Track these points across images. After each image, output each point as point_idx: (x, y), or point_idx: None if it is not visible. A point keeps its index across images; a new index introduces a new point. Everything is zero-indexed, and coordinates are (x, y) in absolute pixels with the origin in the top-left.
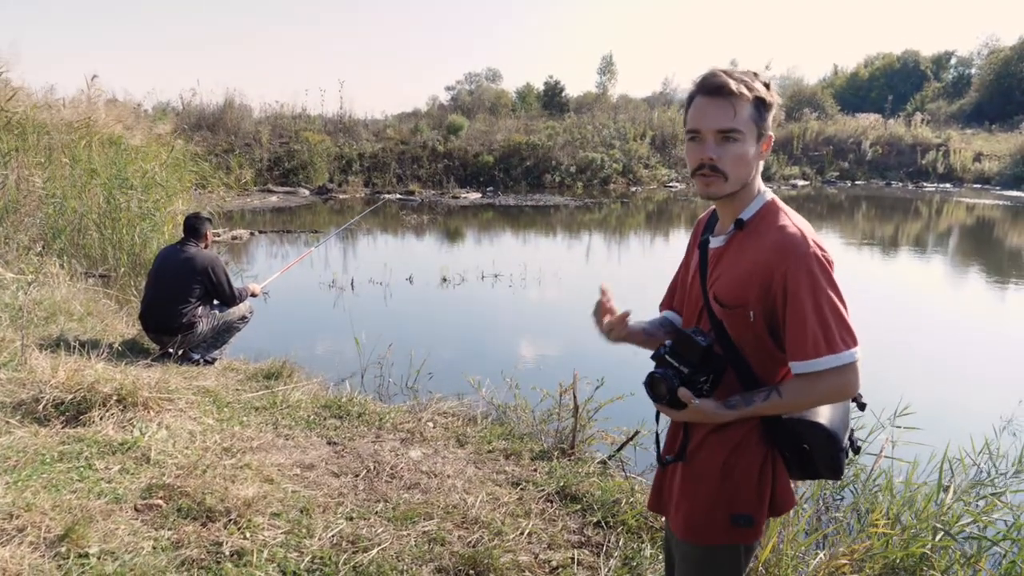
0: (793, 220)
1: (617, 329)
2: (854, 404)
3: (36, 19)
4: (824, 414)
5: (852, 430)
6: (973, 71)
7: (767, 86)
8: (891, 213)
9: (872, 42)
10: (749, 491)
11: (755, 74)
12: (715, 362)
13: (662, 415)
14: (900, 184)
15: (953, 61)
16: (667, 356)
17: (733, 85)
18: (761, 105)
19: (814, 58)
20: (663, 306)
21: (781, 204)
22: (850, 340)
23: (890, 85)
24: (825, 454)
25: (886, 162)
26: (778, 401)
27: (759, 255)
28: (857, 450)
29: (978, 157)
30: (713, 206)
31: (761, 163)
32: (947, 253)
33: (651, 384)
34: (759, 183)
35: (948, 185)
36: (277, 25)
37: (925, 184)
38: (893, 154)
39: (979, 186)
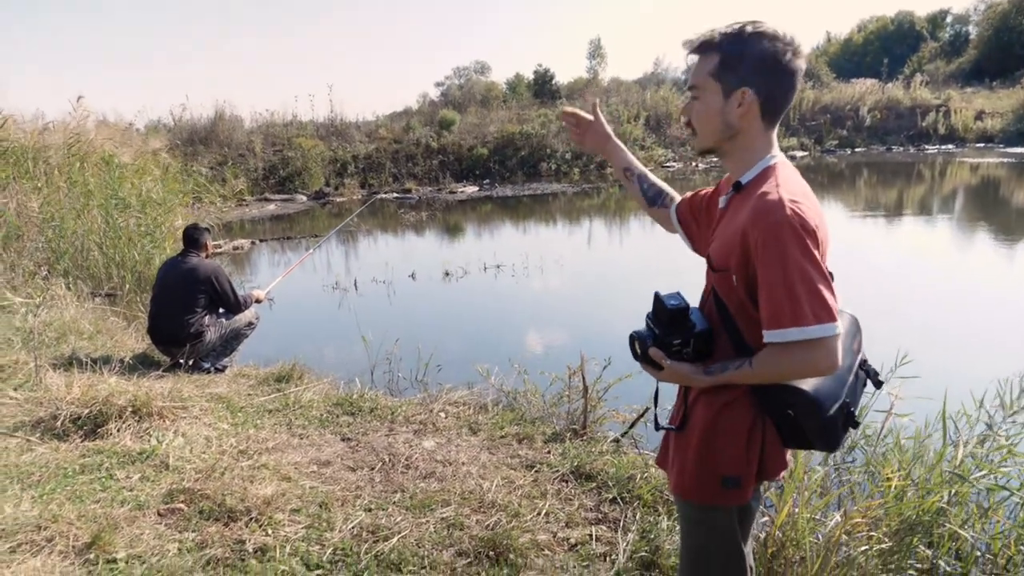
0: (780, 184)
1: (584, 124)
2: (870, 381)
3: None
4: (809, 381)
5: (849, 403)
6: (971, 28)
7: (752, 35)
8: (893, 178)
9: (864, 6)
10: (736, 453)
11: (744, 25)
12: (687, 326)
13: (663, 387)
14: (901, 148)
15: (949, 19)
16: (647, 317)
17: (699, 41)
18: (729, 58)
19: (806, 27)
20: (679, 199)
21: (780, 169)
22: (823, 315)
23: (885, 48)
24: (810, 421)
25: (885, 127)
26: (748, 371)
27: (742, 219)
28: (855, 424)
29: (980, 116)
30: None
31: (747, 120)
32: (952, 215)
33: (630, 342)
34: (765, 146)
35: (950, 146)
36: (261, 35)
37: (927, 146)
38: (892, 118)
39: (982, 145)
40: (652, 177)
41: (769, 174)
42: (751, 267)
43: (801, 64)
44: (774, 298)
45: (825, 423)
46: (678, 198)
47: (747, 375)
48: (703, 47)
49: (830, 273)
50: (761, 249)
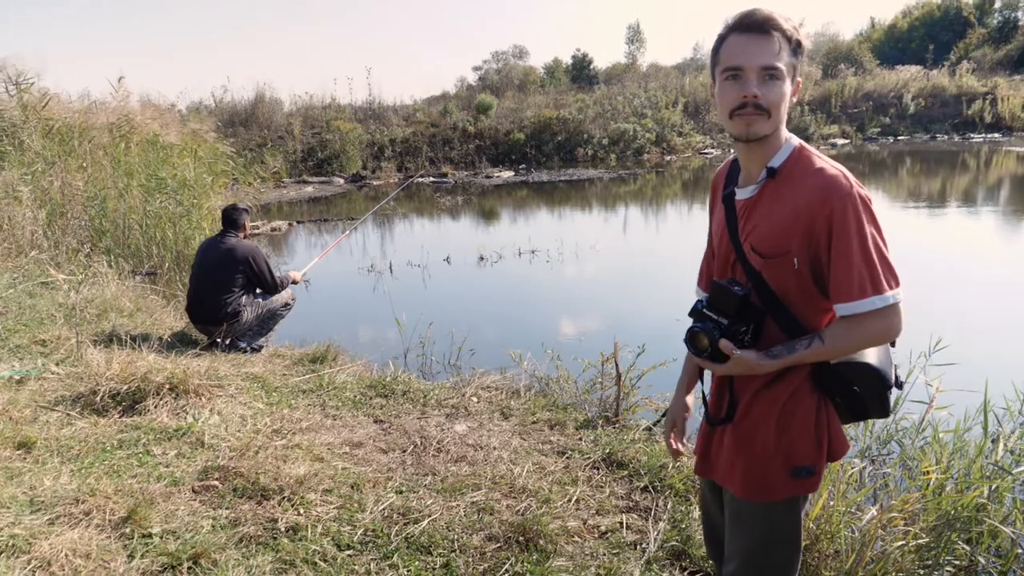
0: (829, 162)
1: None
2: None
3: (63, 25)
4: (871, 354)
5: (896, 366)
6: (1020, 14)
7: (799, 28)
8: (937, 167)
9: None
10: (808, 442)
11: (789, 16)
12: (752, 312)
13: (707, 376)
14: (946, 137)
15: (998, 5)
16: (705, 310)
17: (778, 20)
18: (798, 47)
19: (850, 12)
20: (702, 280)
21: (811, 148)
22: (894, 281)
23: (931, 35)
24: (875, 394)
25: (930, 115)
26: (820, 347)
27: (799, 199)
28: (900, 386)
29: None
30: (728, 160)
31: (788, 107)
32: (998, 205)
33: (692, 339)
34: (785, 129)
35: (997, 135)
36: (301, 18)
37: (972, 135)
38: (937, 106)
39: None
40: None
41: (804, 153)
42: (815, 245)
43: None
44: (853, 269)
45: (887, 392)
46: (701, 286)
47: (819, 351)
48: (779, 30)
49: None
50: (837, 224)
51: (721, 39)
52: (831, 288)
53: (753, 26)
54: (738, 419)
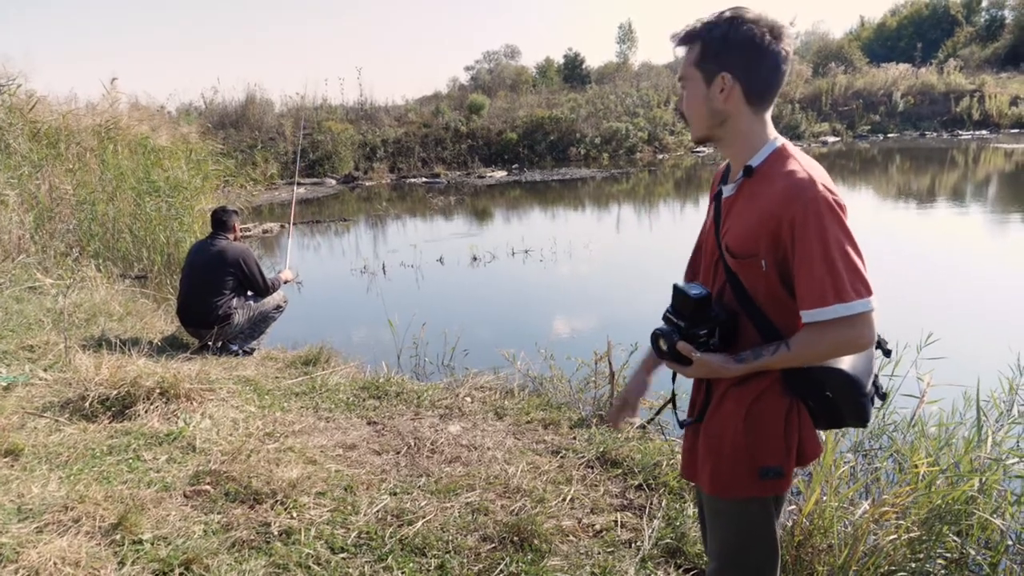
0: (803, 165)
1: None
2: (879, 351)
3: (50, 25)
4: (846, 361)
5: (876, 375)
6: (1006, 13)
7: (728, 20)
8: (926, 164)
9: None
10: (776, 442)
11: (723, 12)
12: (712, 315)
13: (678, 379)
14: (934, 134)
15: (985, 4)
16: (668, 313)
17: (680, 33)
18: (708, 45)
19: (839, 11)
20: (687, 276)
21: (792, 150)
22: (863, 289)
23: (919, 33)
24: (849, 401)
25: (919, 112)
26: (786, 354)
27: (768, 202)
28: (883, 396)
29: (1015, 101)
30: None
31: (731, 104)
32: (986, 201)
33: (653, 341)
34: (761, 129)
35: (985, 132)
36: (291, 19)
37: (961, 132)
38: (926, 104)
39: (1017, 130)
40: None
41: (783, 155)
42: (783, 249)
43: (783, 46)
44: (815, 276)
45: (863, 399)
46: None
47: (784, 358)
48: (687, 38)
49: None
50: (799, 228)
51: None
52: (796, 294)
53: (678, 40)
54: (708, 417)
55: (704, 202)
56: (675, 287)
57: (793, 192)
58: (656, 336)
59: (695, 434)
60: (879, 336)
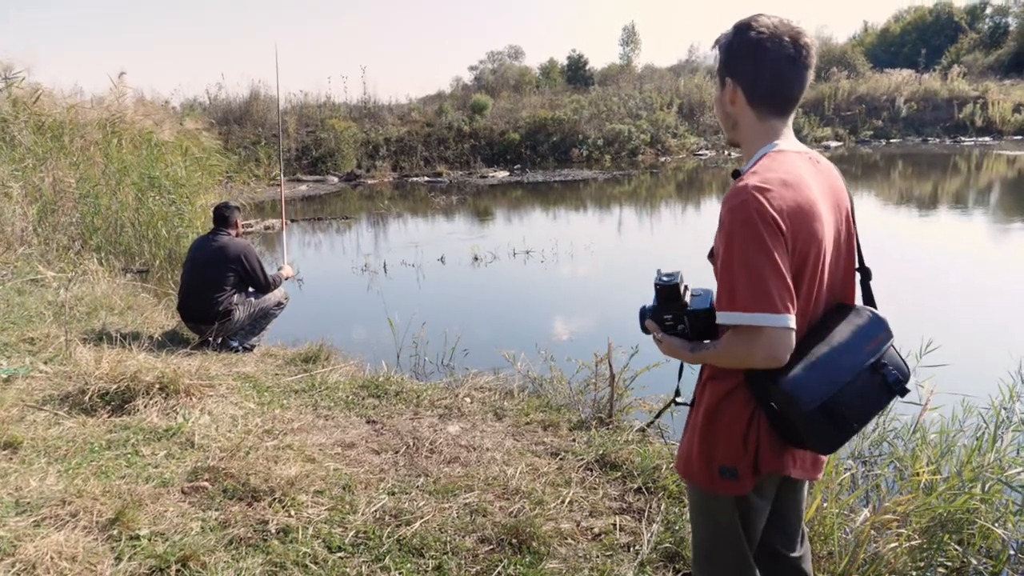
0: (758, 171)
1: None
2: (892, 388)
3: (56, 19)
4: (787, 373)
5: (834, 403)
6: (1010, 20)
7: (738, 28)
8: (928, 170)
9: None
10: (734, 443)
11: (740, 20)
12: (679, 304)
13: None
14: (937, 140)
15: (989, 10)
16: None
17: (720, 37)
18: (723, 53)
19: (843, 16)
20: None
21: (773, 157)
22: (759, 304)
23: (923, 39)
24: (791, 415)
25: (922, 118)
26: (713, 351)
27: (723, 206)
28: (852, 428)
29: (1018, 108)
30: None
31: (737, 109)
32: (988, 208)
33: (639, 315)
34: (762, 135)
35: (987, 138)
36: (296, 17)
37: (963, 138)
38: (929, 110)
39: (1020, 137)
40: None
41: (763, 161)
42: (717, 250)
43: (790, 51)
44: (723, 280)
45: (808, 420)
46: None
47: (712, 355)
48: (715, 46)
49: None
50: (723, 232)
51: None
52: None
53: (714, 47)
54: (693, 413)
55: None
56: (657, 272)
57: (726, 198)
58: (640, 311)
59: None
60: (891, 372)
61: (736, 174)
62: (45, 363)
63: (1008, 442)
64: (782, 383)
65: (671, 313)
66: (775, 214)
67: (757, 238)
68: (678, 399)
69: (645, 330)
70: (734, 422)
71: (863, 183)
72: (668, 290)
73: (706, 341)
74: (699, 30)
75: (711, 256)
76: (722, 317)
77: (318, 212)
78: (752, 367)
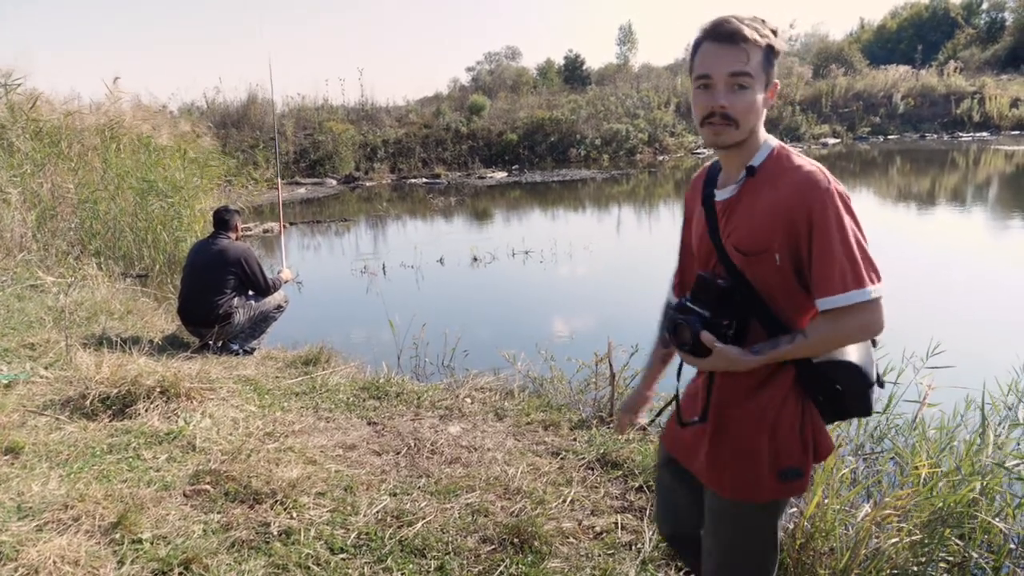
0: (808, 160)
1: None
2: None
3: (51, 23)
4: (852, 352)
5: (876, 363)
6: (1006, 15)
7: (775, 33)
8: (926, 166)
9: None
10: (794, 444)
11: (763, 20)
12: (735, 305)
13: (683, 377)
14: (934, 136)
15: (985, 6)
16: (688, 303)
17: (747, 31)
18: (771, 52)
19: (840, 13)
20: (677, 289)
21: (790, 149)
22: (875, 276)
23: (919, 35)
24: (858, 392)
25: (919, 114)
26: (803, 342)
27: (780, 197)
28: (882, 384)
29: (1015, 103)
30: (708, 163)
31: (765, 111)
32: (987, 203)
33: (675, 330)
34: (764, 131)
35: (985, 133)
36: (293, 19)
37: (961, 134)
38: (926, 105)
39: (1017, 132)
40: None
41: (783, 153)
42: (797, 241)
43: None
44: (834, 264)
45: (870, 391)
46: (676, 293)
47: (801, 347)
48: (748, 40)
49: None
50: (818, 219)
51: (696, 46)
52: (813, 283)
53: (723, 36)
54: (725, 424)
55: None
56: (701, 275)
57: (808, 185)
58: (680, 326)
59: (698, 432)
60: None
61: (752, 170)
62: (46, 368)
63: (1007, 435)
64: (856, 362)
65: (729, 317)
66: (848, 193)
67: (854, 216)
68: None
69: (692, 345)
70: (793, 423)
71: (861, 180)
72: (728, 291)
73: (761, 343)
74: (696, 29)
75: (748, 253)
76: (842, 299)
77: (317, 215)
78: (857, 343)
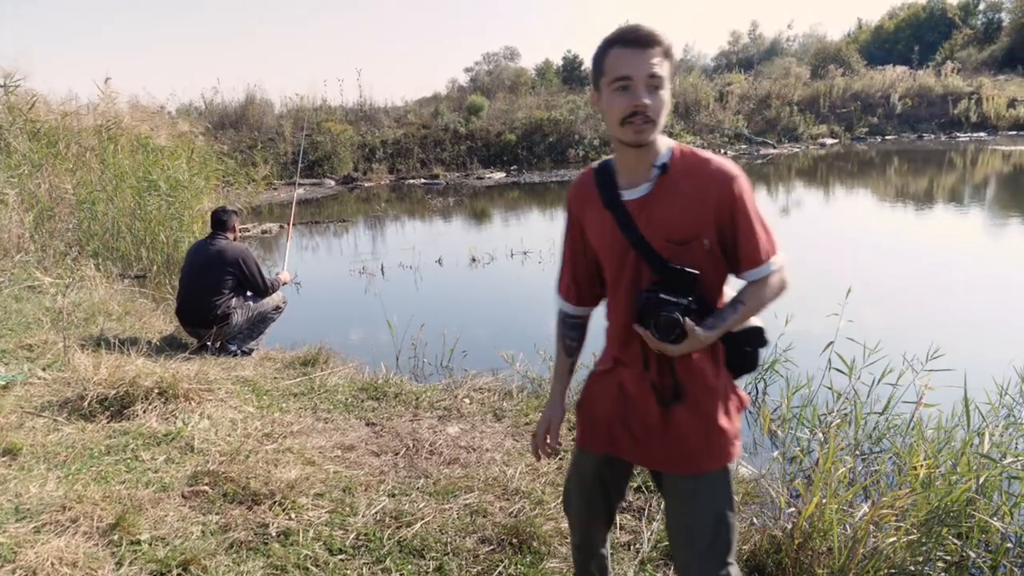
0: (709, 153)
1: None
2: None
3: (49, 23)
4: (757, 319)
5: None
6: (1003, 15)
7: None
8: (924, 166)
9: None
10: (736, 404)
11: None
12: (698, 290)
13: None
14: (932, 136)
15: (982, 6)
16: (663, 295)
17: (659, 36)
18: (672, 57)
19: (837, 13)
20: (573, 298)
21: (682, 144)
22: (778, 243)
23: (917, 35)
24: (758, 352)
25: (916, 114)
26: (743, 309)
27: (702, 187)
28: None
29: (1012, 103)
30: (585, 172)
31: None
32: (984, 203)
33: (668, 325)
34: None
35: (982, 134)
36: (292, 19)
37: (958, 134)
38: (923, 106)
39: (1015, 133)
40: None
41: (685, 149)
42: (721, 221)
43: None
44: (757, 239)
45: (763, 349)
46: (571, 300)
47: (742, 314)
48: (659, 44)
49: None
50: (739, 202)
51: (604, 51)
52: (741, 259)
53: (639, 40)
54: (697, 401)
55: None
56: (672, 267)
57: (726, 175)
58: (672, 320)
59: (652, 423)
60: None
61: (665, 168)
62: (43, 369)
63: (1003, 434)
64: (762, 327)
65: (698, 304)
66: None
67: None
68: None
69: (678, 336)
70: (729, 384)
71: (859, 180)
72: (696, 278)
73: (708, 319)
74: (694, 30)
75: (681, 242)
76: (768, 266)
77: (315, 215)
78: (773, 301)
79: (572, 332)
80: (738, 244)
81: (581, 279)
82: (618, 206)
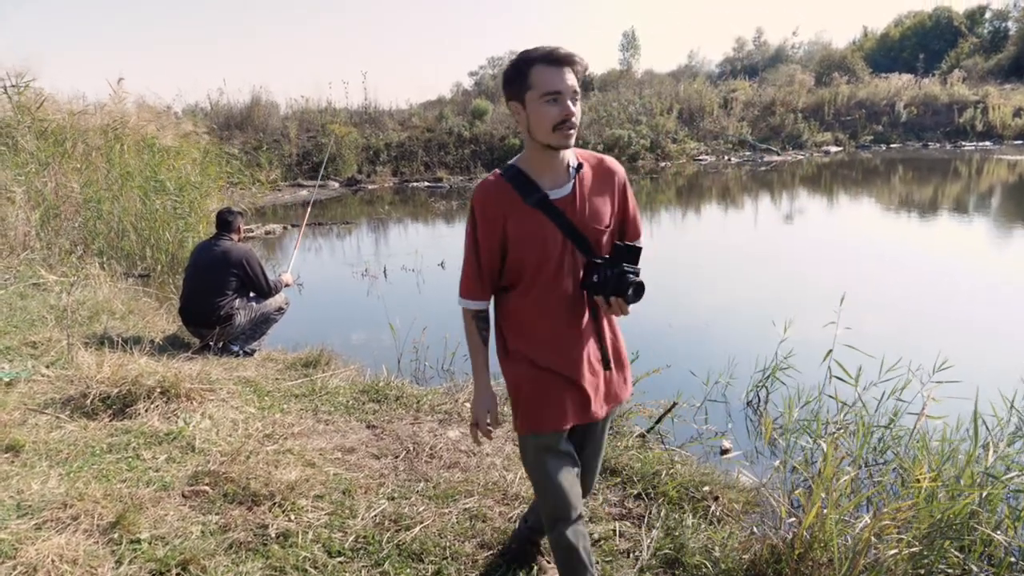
0: (592, 152)
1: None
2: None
3: (56, 23)
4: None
5: None
6: (1010, 24)
7: None
8: (928, 175)
9: (902, 0)
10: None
11: None
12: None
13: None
14: (937, 145)
15: (988, 15)
16: (625, 267)
17: (576, 56)
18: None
19: (842, 21)
20: (485, 295)
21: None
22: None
23: (922, 44)
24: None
25: (922, 123)
26: None
27: (606, 181)
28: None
29: (1018, 112)
30: (491, 178)
31: None
32: (989, 213)
33: (640, 290)
34: None
35: (988, 143)
36: (298, 20)
37: (964, 143)
38: (928, 114)
39: (1021, 142)
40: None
41: (580, 151)
42: (619, 206)
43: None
44: (638, 218)
45: None
46: (476, 298)
47: None
48: (577, 63)
49: None
50: (628, 190)
51: (527, 68)
52: (628, 232)
53: (563, 60)
54: (618, 353)
55: (708, 210)
56: (625, 245)
57: (616, 168)
58: (639, 283)
59: (592, 381)
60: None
61: (580, 167)
62: (47, 367)
63: (1008, 447)
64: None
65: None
66: None
67: None
68: (677, 405)
69: (642, 296)
70: None
71: (864, 188)
72: (640, 248)
73: None
74: (699, 36)
75: (605, 227)
76: (640, 240)
77: (319, 217)
78: None
79: (484, 324)
80: (628, 223)
81: (493, 277)
82: (548, 205)
